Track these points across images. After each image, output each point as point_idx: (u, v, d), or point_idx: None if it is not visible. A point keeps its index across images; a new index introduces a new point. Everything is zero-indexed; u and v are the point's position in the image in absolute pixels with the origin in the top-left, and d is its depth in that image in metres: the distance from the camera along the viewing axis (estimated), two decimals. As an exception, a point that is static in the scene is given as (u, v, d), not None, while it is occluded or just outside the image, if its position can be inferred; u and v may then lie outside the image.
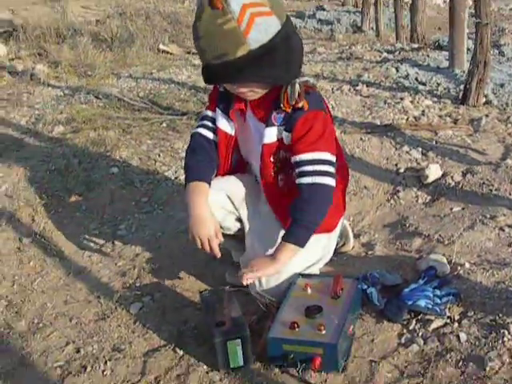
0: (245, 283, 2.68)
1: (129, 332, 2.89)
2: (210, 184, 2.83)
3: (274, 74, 2.55)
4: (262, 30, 2.43)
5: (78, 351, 2.81)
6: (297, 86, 2.61)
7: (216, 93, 2.90)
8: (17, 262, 3.52)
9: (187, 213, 2.77)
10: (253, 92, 2.67)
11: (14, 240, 3.71)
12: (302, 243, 2.69)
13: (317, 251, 2.94)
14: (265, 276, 2.72)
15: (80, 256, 3.55)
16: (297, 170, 2.72)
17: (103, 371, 2.66)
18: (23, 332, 2.97)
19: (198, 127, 2.97)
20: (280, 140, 2.74)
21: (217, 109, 2.88)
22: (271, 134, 2.73)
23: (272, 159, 2.79)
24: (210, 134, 2.93)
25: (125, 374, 2.64)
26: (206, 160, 2.89)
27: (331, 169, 2.71)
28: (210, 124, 2.93)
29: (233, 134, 2.88)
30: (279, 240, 2.75)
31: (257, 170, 2.91)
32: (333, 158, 2.72)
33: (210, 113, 2.94)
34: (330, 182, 2.70)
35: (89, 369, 2.68)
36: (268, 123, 2.72)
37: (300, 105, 2.63)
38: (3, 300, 3.22)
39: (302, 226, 2.68)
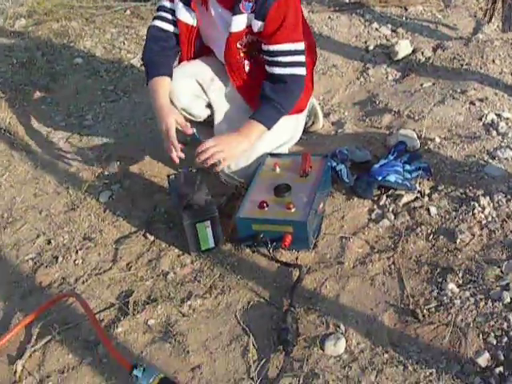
0: (219, 169, 2.66)
1: (99, 221, 2.88)
2: (171, 76, 2.78)
3: None
4: None
5: (49, 243, 2.80)
6: None
7: None
8: (-17, 158, 3.47)
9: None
10: None
11: (-21, 136, 3.64)
12: (270, 125, 2.68)
13: (286, 131, 2.91)
14: (235, 158, 2.68)
15: (47, 148, 3.50)
16: (270, 59, 2.68)
17: (75, 260, 2.67)
18: (-7, 227, 2.96)
19: (154, 19, 2.87)
20: (249, 27, 2.65)
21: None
22: (239, 22, 2.64)
23: (238, 45, 2.72)
24: (167, 26, 2.84)
25: (96, 261, 2.65)
26: (163, 53, 2.82)
27: (304, 58, 2.69)
28: (167, 15, 2.83)
29: (194, 24, 2.78)
30: None
31: (221, 57, 2.83)
32: (304, 46, 2.70)
33: (167, 3, 2.82)
34: (304, 71, 2.70)
35: (60, 259, 2.68)
36: (235, 11, 2.62)
37: None
38: (-30, 196, 3.19)
39: (275, 107, 2.67)
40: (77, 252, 2.71)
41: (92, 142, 3.49)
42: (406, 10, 4.51)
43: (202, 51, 2.93)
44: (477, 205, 2.57)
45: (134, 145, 3.38)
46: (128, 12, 5.02)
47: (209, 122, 2.96)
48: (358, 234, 2.55)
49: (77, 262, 2.66)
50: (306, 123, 3.13)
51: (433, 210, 2.60)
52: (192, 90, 2.87)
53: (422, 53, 3.89)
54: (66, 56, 4.44)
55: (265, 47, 2.67)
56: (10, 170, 3.36)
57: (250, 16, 2.61)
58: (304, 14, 4.21)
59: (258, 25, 2.61)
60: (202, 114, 2.95)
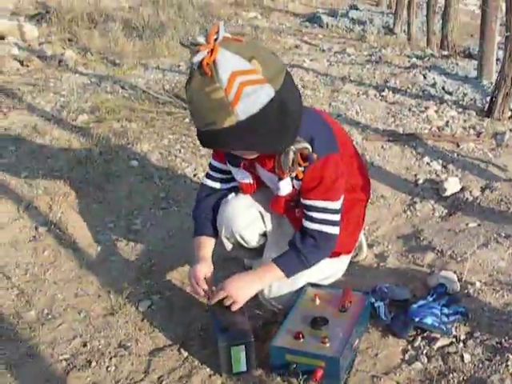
0: (233, 309, 2.69)
1: (136, 329, 2.91)
2: (214, 235, 2.95)
3: (264, 143, 2.44)
4: (251, 101, 2.29)
5: (84, 345, 2.83)
6: (291, 154, 2.54)
7: None
8: (31, 251, 3.54)
9: None
10: (247, 154, 2.62)
11: (30, 228, 3.73)
12: (290, 274, 2.72)
13: (329, 268, 2.96)
14: (247, 299, 2.72)
15: (94, 249, 3.57)
16: (305, 212, 2.71)
17: (107, 367, 2.69)
18: (32, 322, 3.00)
19: (205, 176, 3.02)
20: (293, 187, 2.71)
21: (227, 163, 2.87)
22: (285, 187, 2.71)
23: (288, 197, 2.76)
24: (216, 184, 2.97)
25: (129, 371, 2.66)
26: (210, 212, 2.95)
27: (338, 217, 2.71)
28: (215, 175, 2.96)
29: (252, 182, 2.86)
30: None
31: None
32: (340, 205, 2.72)
33: (216, 163, 2.94)
34: (336, 231, 2.72)
35: (93, 364, 2.70)
36: (280, 177, 2.68)
37: (293, 174, 2.60)
38: (15, 288, 3.25)
39: (299, 259, 2.70)
40: (111, 359, 2.73)
41: (138, 248, 3.56)
42: (459, 146, 4.58)
43: None
44: (511, 356, 2.55)
45: (178, 256, 3.43)
46: (187, 120, 5.16)
47: (259, 249, 3.03)
48: (390, 375, 2.53)
49: (109, 369, 2.67)
50: (349, 253, 3.17)
51: (467, 357, 2.58)
52: (251, 217, 2.94)
53: (470, 192, 3.93)
54: (123, 157, 4.57)
55: (301, 200, 2.71)
56: (55, 266, 3.43)
57: (292, 177, 2.68)
58: (358, 141, 4.35)
59: (297, 184, 2.68)
60: (254, 241, 3.00)
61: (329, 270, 2.96)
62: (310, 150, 2.55)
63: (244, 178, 2.84)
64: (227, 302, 2.67)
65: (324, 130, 2.66)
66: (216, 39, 2.28)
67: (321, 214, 2.67)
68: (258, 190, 2.91)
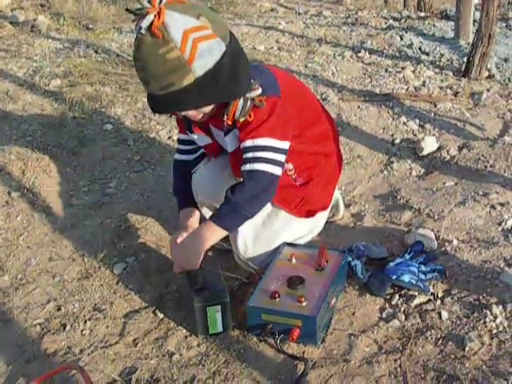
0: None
1: (111, 292, 2.89)
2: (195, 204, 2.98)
3: (221, 94, 2.45)
4: (206, 56, 2.32)
5: (58, 309, 2.81)
6: (248, 102, 2.52)
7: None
8: (4, 217, 3.49)
9: None
10: (202, 113, 2.58)
11: (3, 193, 3.67)
12: (227, 225, 2.65)
13: (309, 224, 2.95)
14: (195, 265, 2.68)
15: (68, 212, 3.53)
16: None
17: (82, 330, 2.66)
18: (6, 287, 2.97)
19: (176, 152, 3.08)
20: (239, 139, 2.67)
21: (188, 133, 2.88)
22: (232, 141, 2.68)
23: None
24: (183, 157, 3.03)
25: (103, 334, 2.64)
26: (187, 184, 2.99)
27: (274, 155, 2.58)
28: (183, 147, 3.02)
29: (212, 141, 2.85)
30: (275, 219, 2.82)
31: None
32: (279, 144, 2.59)
33: (181, 136, 2.99)
34: (271, 169, 2.58)
35: (68, 327, 2.68)
36: (225, 131, 2.66)
37: (241, 120, 2.55)
38: (-12, 254, 3.21)
39: (234, 210, 2.60)
40: (85, 322, 2.70)
41: (112, 211, 3.51)
42: (436, 105, 4.56)
43: None
44: (489, 313, 2.54)
45: (153, 218, 3.40)
46: (161, 83, 5.09)
47: None
48: (367, 333, 2.52)
49: (84, 332, 2.65)
50: (325, 213, 3.15)
51: (444, 314, 2.57)
52: (224, 180, 2.91)
53: (448, 151, 3.92)
54: (97, 121, 4.52)
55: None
56: (28, 231, 3.39)
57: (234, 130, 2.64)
58: (334, 101, 4.32)
59: (237, 134, 2.65)
60: None
61: (305, 228, 2.94)
62: (262, 95, 2.56)
63: (203, 140, 2.84)
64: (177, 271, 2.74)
65: (263, 75, 2.64)
66: (160, 2, 2.28)
67: (250, 153, 2.57)
68: (228, 155, 2.87)
